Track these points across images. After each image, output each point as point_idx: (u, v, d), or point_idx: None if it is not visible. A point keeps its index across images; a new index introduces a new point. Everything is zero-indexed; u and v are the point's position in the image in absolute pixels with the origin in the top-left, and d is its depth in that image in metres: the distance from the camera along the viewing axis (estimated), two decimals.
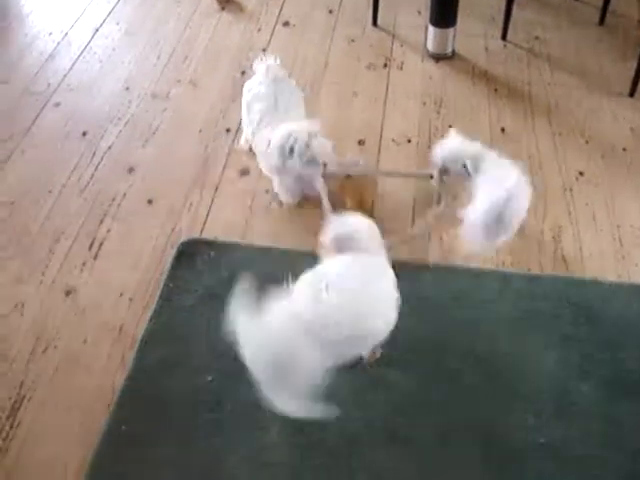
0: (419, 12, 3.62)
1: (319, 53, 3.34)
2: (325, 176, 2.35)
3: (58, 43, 3.42)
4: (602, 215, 2.59)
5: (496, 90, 3.14)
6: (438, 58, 3.30)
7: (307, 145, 2.28)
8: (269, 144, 2.35)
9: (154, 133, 2.89)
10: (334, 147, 2.37)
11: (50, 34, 3.48)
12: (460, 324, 2.20)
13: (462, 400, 2.02)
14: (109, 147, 2.83)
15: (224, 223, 2.52)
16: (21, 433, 1.97)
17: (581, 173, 2.75)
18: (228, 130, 2.89)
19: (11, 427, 1.98)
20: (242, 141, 2.75)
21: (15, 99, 3.07)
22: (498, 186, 2.06)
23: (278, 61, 2.59)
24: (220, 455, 1.90)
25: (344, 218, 1.96)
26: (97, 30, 3.51)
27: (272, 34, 3.46)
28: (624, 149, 2.88)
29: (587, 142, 2.90)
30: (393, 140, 2.86)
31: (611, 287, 2.32)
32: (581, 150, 2.86)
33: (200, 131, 2.90)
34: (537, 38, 3.50)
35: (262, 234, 2.48)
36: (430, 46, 3.31)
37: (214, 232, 2.48)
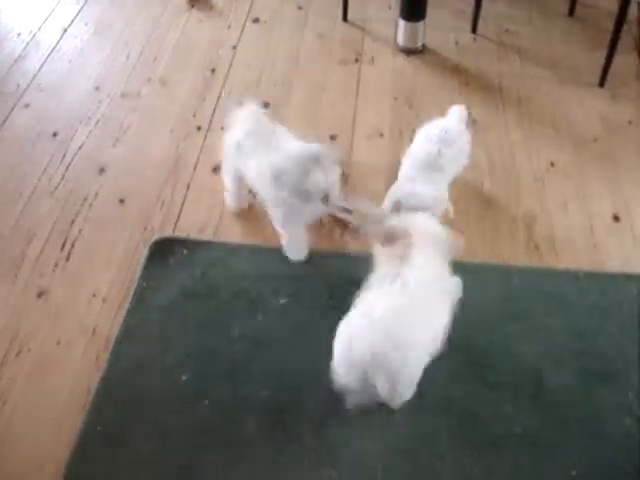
0: (389, 7, 3.63)
1: (290, 49, 3.34)
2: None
3: (27, 44, 3.39)
4: (574, 205, 2.60)
5: (467, 83, 3.15)
6: (409, 52, 3.31)
7: (304, 175, 2.07)
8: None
9: (125, 132, 2.88)
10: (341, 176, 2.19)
11: (19, 35, 3.45)
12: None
13: (437, 391, 2.01)
14: (80, 147, 2.81)
15: (197, 221, 2.51)
16: None
17: (552, 164, 2.76)
18: (199, 128, 2.88)
19: None
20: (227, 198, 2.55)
21: None
22: None
23: (258, 106, 2.41)
24: (197, 453, 1.89)
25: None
26: (66, 30, 3.48)
27: (242, 31, 3.46)
28: (594, 139, 2.90)
29: (558, 133, 2.92)
30: (365, 135, 2.86)
31: (584, 277, 2.32)
32: (552, 141, 2.87)
33: (171, 130, 2.89)
34: (507, 31, 3.51)
35: (235, 231, 2.47)
36: (400, 40, 3.31)
37: (187, 230, 2.48)
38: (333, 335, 1.78)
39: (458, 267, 2.25)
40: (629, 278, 2.33)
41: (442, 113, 2.80)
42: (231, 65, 3.23)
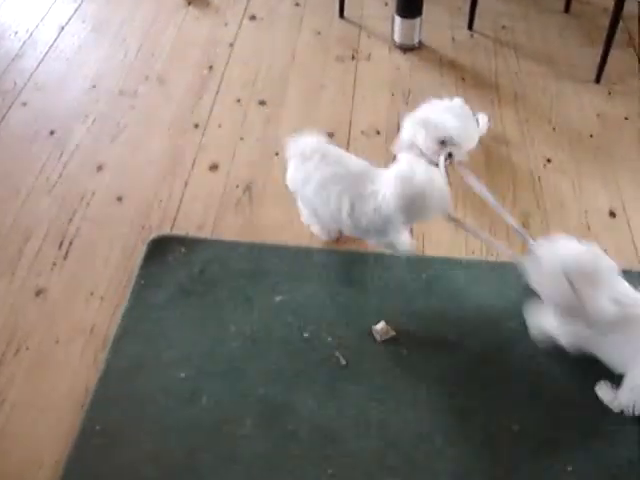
0: (386, 3, 3.63)
1: (286, 46, 3.34)
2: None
3: (24, 42, 3.39)
4: (570, 201, 2.61)
5: (463, 79, 3.16)
6: (405, 49, 3.31)
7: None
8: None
9: (122, 130, 2.88)
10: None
11: (16, 33, 3.45)
12: (430, 311, 2.20)
13: (434, 387, 2.02)
14: (77, 145, 2.81)
15: (195, 219, 2.52)
16: None
17: (549, 160, 2.77)
18: (197, 126, 2.89)
19: None
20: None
21: None
22: None
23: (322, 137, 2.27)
24: (195, 452, 1.89)
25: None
26: (63, 28, 3.49)
27: (239, 28, 3.46)
28: (591, 135, 2.91)
29: (554, 129, 2.92)
30: (362, 132, 2.87)
31: None
32: (548, 137, 2.88)
33: (168, 128, 2.89)
34: (504, 27, 3.52)
35: (232, 229, 2.48)
36: (397, 37, 3.31)
37: (185, 228, 2.48)
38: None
39: (456, 264, 2.28)
40: (625, 274, 2.32)
41: None
42: (228, 62, 3.23)
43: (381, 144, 2.81)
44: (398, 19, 3.26)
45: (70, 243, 2.45)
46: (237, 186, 2.63)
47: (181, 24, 3.49)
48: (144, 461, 1.88)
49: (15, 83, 3.15)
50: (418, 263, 2.35)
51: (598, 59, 3.13)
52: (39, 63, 3.27)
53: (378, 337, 2.14)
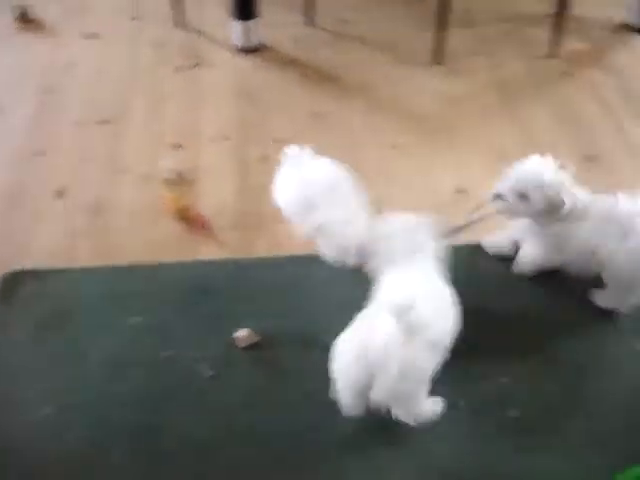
0: (225, 7, 3.60)
1: (127, 62, 3.29)
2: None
3: None
4: (417, 183, 2.67)
5: (307, 76, 3.18)
6: (247, 51, 3.31)
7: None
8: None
9: None
10: None
11: None
12: (292, 311, 2.23)
13: (303, 386, 2.04)
14: None
15: (46, 249, 2.44)
16: None
17: (394, 146, 2.82)
18: (39, 152, 2.81)
19: None
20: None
21: None
22: None
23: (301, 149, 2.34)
24: None
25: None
26: None
27: (77, 48, 3.38)
28: (435, 116, 2.97)
29: (398, 114, 2.99)
30: (211, 139, 2.84)
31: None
32: (393, 123, 2.94)
33: (10, 156, 2.80)
34: (345, 21, 3.56)
35: (85, 254, 2.42)
36: (237, 40, 3.30)
37: (37, 259, 2.40)
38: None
39: (313, 261, 2.29)
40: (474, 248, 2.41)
41: (284, 109, 2.83)
42: (68, 84, 3.16)
43: (231, 149, 2.80)
44: (235, 22, 3.25)
45: None
46: (86, 209, 2.57)
47: (15, 50, 3.39)
48: None
49: None
50: (276, 265, 2.35)
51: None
52: None
53: (241, 344, 2.12)
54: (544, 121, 2.99)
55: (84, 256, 2.42)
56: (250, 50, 3.31)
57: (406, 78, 3.17)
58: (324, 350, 2.06)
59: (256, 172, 2.68)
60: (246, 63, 3.25)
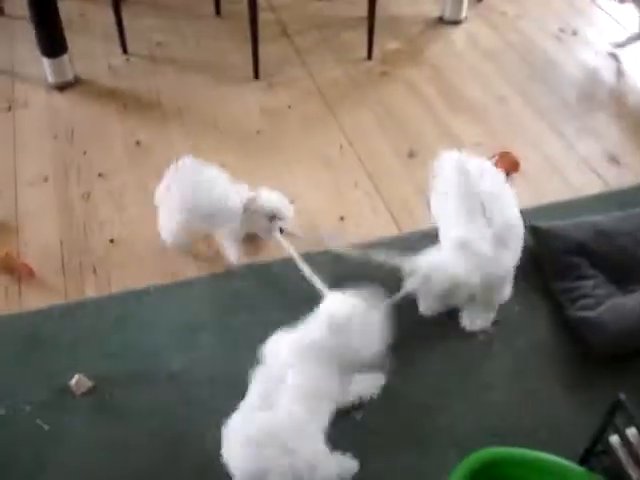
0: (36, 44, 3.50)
1: None
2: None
3: None
4: None
5: (125, 105, 3.12)
6: (62, 87, 3.22)
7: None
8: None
9: None
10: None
11: None
12: (126, 349, 2.18)
13: (144, 425, 2.01)
14: None
15: None
16: None
17: (223, 165, 2.79)
18: None
19: None
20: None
21: None
22: None
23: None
24: None
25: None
26: None
27: None
28: (258, 132, 2.98)
29: (222, 134, 2.97)
30: (29, 183, 2.74)
31: (264, 269, 2.37)
32: (218, 143, 2.92)
33: None
34: (159, 44, 3.52)
35: None
36: (50, 77, 3.21)
37: None
38: None
39: (144, 294, 2.24)
40: (313, 255, 2.41)
41: (105, 142, 2.77)
42: None
43: (51, 190, 2.71)
44: (45, 59, 3.16)
45: None
46: None
47: None
48: None
49: None
50: (106, 303, 2.29)
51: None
52: None
53: (76, 391, 2.06)
54: (367, 123, 3.04)
55: None
56: (65, 86, 3.22)
57: (225, 96, 3.17)
58: (163, 383, 2.04)
59: (80, 210, 2.62)
60: (62, 100, 3.16)
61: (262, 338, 2.14)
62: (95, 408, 2.05)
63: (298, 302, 2.21)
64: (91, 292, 2.35)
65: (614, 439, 1.72)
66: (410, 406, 2.03)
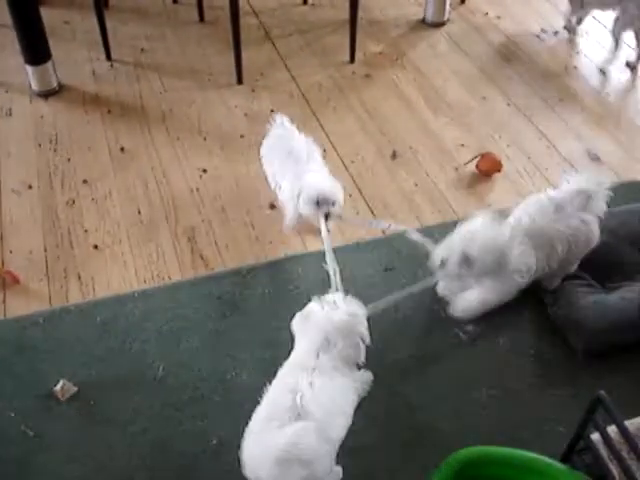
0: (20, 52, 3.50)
1: None
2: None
3: None
4: (230, 204, 2.68)
5: (109, 112, 3.13)
6: (46, 95, 3.22)
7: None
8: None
9: None
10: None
11: None
12: (110, 354, 2.19)
13: (128, 428, 2.02)
14: None
15: None
16: None
17: (204, 170, 2.81)
18: None
19: None
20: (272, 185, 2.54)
21: None
22: None
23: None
24: None
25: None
26: None
27: None
28: (242, 135, 2.99)
29: (205, 139, 2.98)
30: (13, 190, 2.75)
31: (248, 271, 2.39)
32: (201, 148, 2.93)
33: None
34: (143, 50, 3.53)
35: None
36: (34, 85, 3.21)
37: None
38: None
39: (129, 299, 2.25)
40: (290, 260, 2.43)
41: (90, 149, 2.77)
42: None
43: (36, 197, 2.72)
44: (29, 67, 3.16)
45: None
46: None
47: None
48: None
49: None
50: (91, 309, 2.30)
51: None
52: None
53: (61, 397, 2.06)
54: (350, 126, 3.06)
55: None
56: (49, 93, 3.22)
57: (210, 101, 3.18)
58: (148, 387, 2.04)
59: (64, 217, 2.63)
60: (46, 107, 3.17)
61: (247, 341, 2.18)
62: (80, 413, 2.05)
63: (283, 306, 2.24)
64: (75, 298, 2.35)
65: (595, 436, 1.73)
66: (392, 405, 2.03)
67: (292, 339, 1.95)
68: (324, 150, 2.88)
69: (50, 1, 3.79)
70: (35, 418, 2.04)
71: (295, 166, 2.38)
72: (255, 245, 2.53)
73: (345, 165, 2.82)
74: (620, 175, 2.81)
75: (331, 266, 2.17)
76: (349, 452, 1.80)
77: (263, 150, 2.54)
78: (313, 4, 3.88)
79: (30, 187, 2.77)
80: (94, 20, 3.36)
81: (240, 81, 3.30)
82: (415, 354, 2.19)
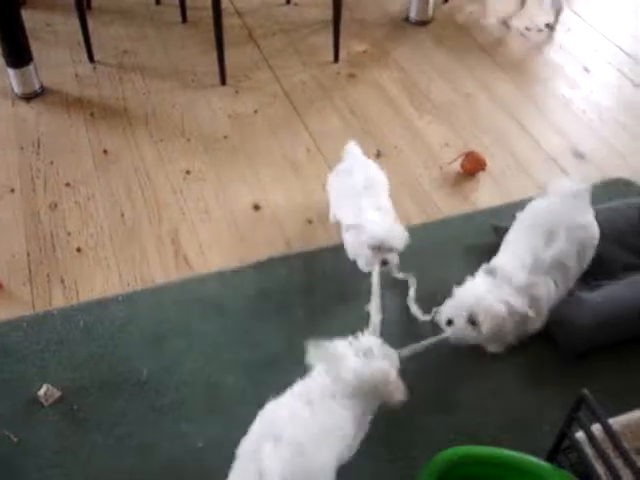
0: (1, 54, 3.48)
1: None
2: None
3: None
4: (214, 206, 2.66)
5: (92, 114, 3.11)
6: (28, 98, 3.20)
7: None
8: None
9: None
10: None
11: None
12: (93, 358, 2.18)
13: (112, 432, 2.00)
14: None
15: None
16: None
17: (188, 172, 2.80)
18: None
19: None
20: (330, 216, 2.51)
21: None
22: None
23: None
24: None
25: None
26: None
27: None
28: (225, 137, 2.98)
29: (189, 140, 2.96)
30: None
31: (232, 275, 2.38)
32: (184, 149, 2.91)
33: None
34: (125, 51, 3.51)
35: None
36: (16, 88, 3.19)
37: None
38: None
39: (113, 302, 2.24)
40: (274, 261, 2.42)
41: (73, 152, 2.76)
42: None
43: (17, 201, 2.70)
44: (10, 70, 3.14)
45: None
46: None
47: None
48: None
49: None
50: (74, 313, 2.28)
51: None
52: None
53: (44, 402, 2.05)
54: (334, 126, 3.05)
55: None
56: (32, 96, 3.20)
57: (193, 102, 3.16)
58: (132, 391, 2.03)
59: (47, 220, 2.61)
60: (28, 110, 3.14)
61: (231, 343, 2.17)
62: (64, 418, 2.04)
63: (268, 310, 2.24)
64: (59, 302, 2.33)
65: (580, 435, 1.72)
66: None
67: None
68: (307, 150, 2.88)
69: (31, 3, 3.77)
70: (18, 423, 2.02)
71: (357, 200, 2.34)
72: (239, 246, 2.51)
73: (329, 165, 2.81)
74: (604, 172, 2.81)
75: (375, 313, 2.12)
76: None
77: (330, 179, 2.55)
78: (296, 4, 3.87)
79: (12, 191, 2.75)
80: (76, 22, 3.34)
81: (223, 82, 3.29)
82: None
